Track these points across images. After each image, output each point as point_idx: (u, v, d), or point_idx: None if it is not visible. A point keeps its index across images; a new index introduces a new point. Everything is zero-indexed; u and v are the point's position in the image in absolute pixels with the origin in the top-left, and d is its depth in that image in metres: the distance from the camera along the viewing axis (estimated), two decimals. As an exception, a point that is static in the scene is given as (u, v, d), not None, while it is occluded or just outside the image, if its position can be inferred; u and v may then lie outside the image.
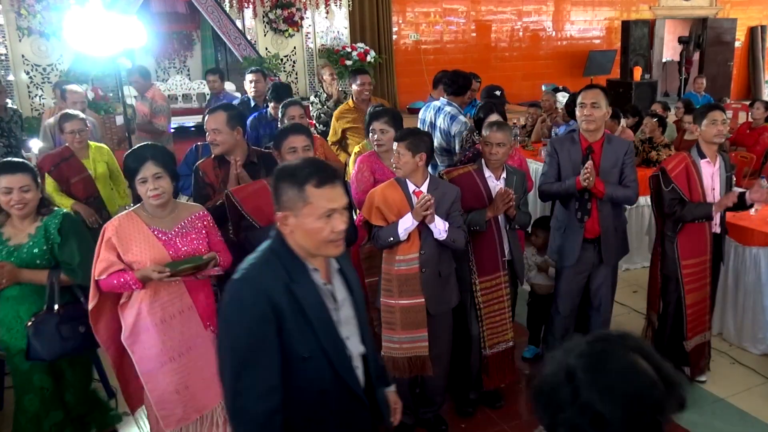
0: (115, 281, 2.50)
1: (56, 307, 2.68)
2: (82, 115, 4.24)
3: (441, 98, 4.76)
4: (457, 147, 4.46)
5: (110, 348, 2.67)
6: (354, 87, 5.01)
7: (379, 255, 3.24)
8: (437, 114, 4.66)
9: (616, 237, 3.47)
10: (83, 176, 4.12)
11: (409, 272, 2.94)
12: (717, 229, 3.48)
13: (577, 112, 3.33)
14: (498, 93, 4.68)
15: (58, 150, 4.23)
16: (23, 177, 2.59)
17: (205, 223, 2.70)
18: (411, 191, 2.95)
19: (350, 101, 5.10)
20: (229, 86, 7.91)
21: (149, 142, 3.44)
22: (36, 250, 2.65)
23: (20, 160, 2.73)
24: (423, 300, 2.95)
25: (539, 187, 3.48)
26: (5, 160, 2.67)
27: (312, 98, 6.31)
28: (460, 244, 2.99)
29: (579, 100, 3.32)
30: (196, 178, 3.21)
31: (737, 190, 3.38)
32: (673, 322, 3.54)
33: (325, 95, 6.17)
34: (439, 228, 2.90)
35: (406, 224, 2.87)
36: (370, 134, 3.52)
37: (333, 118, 5.14)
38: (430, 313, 2.99)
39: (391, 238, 2.89)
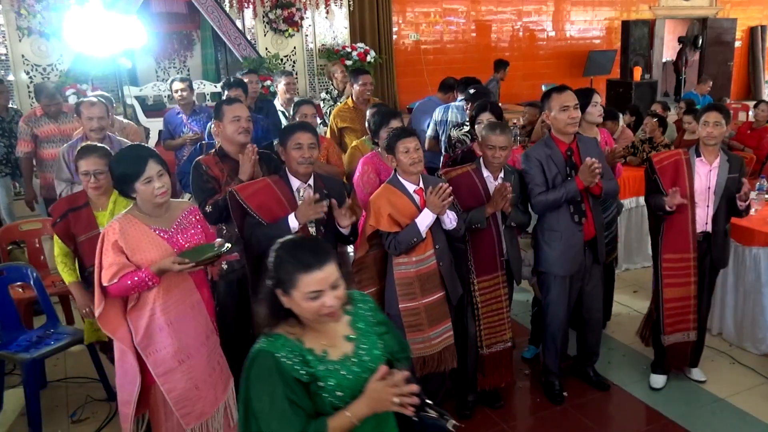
0: (129, 282, 2.44)
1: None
2: (104, 149, 3.17)
3: (460, 98, 4.88)
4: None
5: (134, 351, 2.58)
6: (355, 87, 5.01)
7: (373, 266, 3.18)
8: (460, 113, 4.75)
9: (604, 234, 3.51)
10: (92, 235, 3.00)
11: (429, 270, 2.99)
12: (707, 228, 3.46)
13: (560, 116, 3.24)
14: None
15: (73, 194, 3.30)
16: (332, 267, 1.66)
17: (197, 217, 2.73)
18: (411, 191, 2.97)
19: (349, 100, 5.10)
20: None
21: (139, 143, 3.51)
22: (377, 352, 1.79)
23: (323, 243, 1.78)
24: (444, 293, 3.05)
25: (534, 199, 3.30)
26: (306, 242, 1.73)
27: (323, 95, 6.33)
28: (461, 232, 3.10)
29: (561, 103, 3.23)
30: (198, 172, 3.19)
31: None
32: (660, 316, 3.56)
33: (337, 92, 6.17)
34: (450, 218, 2.98)
35: (427, 220, 2.91)
36: (384, 133, 3.47)
37: (331, 117, 5.13)
38: (449, 304, 3.09)
39: (415, 239, 2.91)
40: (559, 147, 3.30)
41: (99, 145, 3.24)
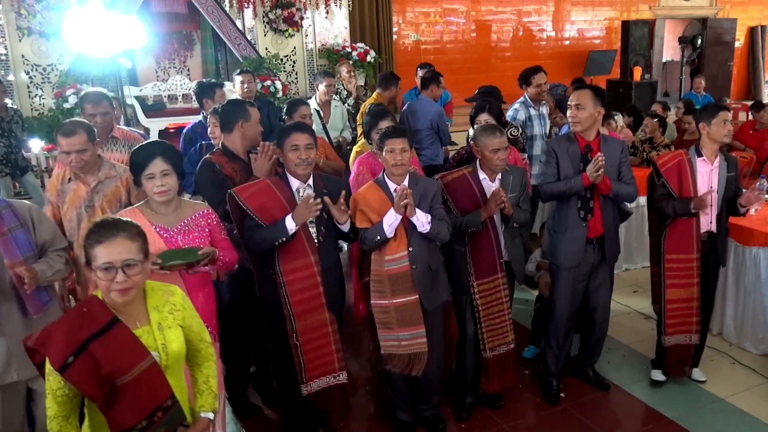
0: None
1: None
2: (134, 224, 1.93)
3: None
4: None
5: None
6: (393, 89, 5.47)
7: (369, 255, 3.18)
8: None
9: (616, 236, 3.49)
10: (144, 369, 1.83)
11: (399, 271, 2.95)
12: (711, 227, 3.48)
13: (568, 113, 3.37)
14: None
15: (78, 310, 1.89)
16: None
17: (209, 221, 2.70)
18: (392, 190, 2.97)
19: (376, 95, 5.32)
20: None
21: (159, 140, 3.32)
22: None
23: None
24: (417, 296, 2.98)
25: (541, 186, 3.43)
26: None
27: (335, 96, 6.27)
28: (444, 237, 3.02)
29: (569, 102, 3.34)
30: (213, 170, 3.16)
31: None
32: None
33: (346, 93, 6.13)
34: (422, 220, 2.93)
35: (390, 220, 2.89)
36: (374, 134, 3.50)
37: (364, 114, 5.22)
38: (424, 309, 3.01)
39: (378, 237, 2.90)
40: (579, 143, 3.33)
41: (124, 219, 1.94)
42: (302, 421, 3.21)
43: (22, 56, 7.05)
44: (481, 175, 3.23)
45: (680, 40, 11.06)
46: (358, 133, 5.33)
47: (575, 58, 11.01)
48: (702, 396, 3.57)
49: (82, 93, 3.99)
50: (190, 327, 2.03)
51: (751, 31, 12.44)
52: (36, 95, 7.16)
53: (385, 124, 3.45)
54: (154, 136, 7.27)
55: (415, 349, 3.01)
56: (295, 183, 2.97)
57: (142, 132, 4.47)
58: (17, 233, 2.51)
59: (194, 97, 6.62)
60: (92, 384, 1.76)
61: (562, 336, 3.53)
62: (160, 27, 8.38)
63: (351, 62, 8.21)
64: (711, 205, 3.44)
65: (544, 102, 5.03)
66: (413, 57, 9.99)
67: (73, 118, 3.25)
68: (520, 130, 4.48)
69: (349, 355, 4.03)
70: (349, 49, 8.49)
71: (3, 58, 7.00)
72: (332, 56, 8.40)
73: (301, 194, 2.94)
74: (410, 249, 2.96)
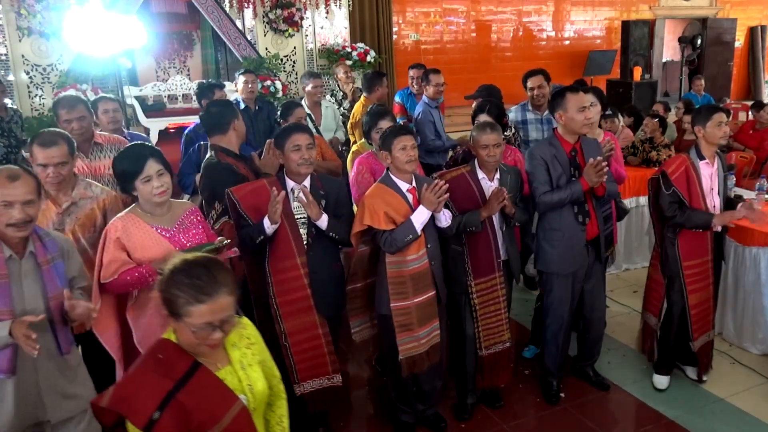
0: (129, 277, 2.45)
1: None
2: (223, 266, 1.71)
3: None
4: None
5: (118, 355, 2.63)
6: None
7: (360, 263, 3.14)
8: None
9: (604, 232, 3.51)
10: (233, 416, 1.66)
11: (421, 269, 2.98)
12: (718, 228, 3.49)
13: (577, 117, 3.20)
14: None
15: (154, 354, 1.66)
16: None
17: (199, 218, 2.73)
18: (405, 190, 2.98)
19: (363, 100, 5.22)
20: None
21: (143, 142, 3.26)
22: None
23: None
24: (434, 292, 3.04)
25: (539, 198, 3.26)
26: None
27: (328, 97, 6.19)
28: (453, 231, 3.11)
29: (578, 104, 3.19)
30: (231, 173, 3.12)
31: (737, 189, 3.39)
32: (679, 323, 3.54)
33: (342, 94, 6.09)
34: (446, 215, 3.00)
35: (422, 217, 2.90)
36: (375, 134, 3.52)
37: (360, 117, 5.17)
38: (439, 302, 3.09)
39: (410, 236, 2.90)
40: (564, 147, 3.28)
41: (218, 265, 1.67)
42: (301, 421, 3.21)
43: (22, 56, 7.05)
44: (480, 174, 3.23)
45: (680, 40, 11.07)
46: (351, 140, 5.30)
47: (575, 58, 11.00)
48: (702, 396, 3.57)
49: (55, 99, 3.78)
50: (264, 362, 1.81)
51: (751, 31, 12.44)
52: (36, 95, 7.15)
53: (385, 123, 3.46)
54: (154, 136, 7.29)
55: (431, 342, 3.06)
56: (290, 183, 2.98)
57: (141, 134, 4.48)
58: (58, 263, 2.32)
59: (194, 98, 6.62)
60: None
61: (560, 339, 3.52)
62: (160, 27, 8.38)
63: (350, 62, 8.22)
64: (714, 206, 3.43)
65: None
66: (413, 57, 9.97)
67: (51, 128, 2.94)
68: (513, 131, 4.48)
69: (349, 356, 4.03)
70: (349, 49, 8.48)
71: (3, 58, 7.00)
72: (332, 56, 8.40)
73: (295, 194, 2.95)
74: (428, 246, 3.00)
